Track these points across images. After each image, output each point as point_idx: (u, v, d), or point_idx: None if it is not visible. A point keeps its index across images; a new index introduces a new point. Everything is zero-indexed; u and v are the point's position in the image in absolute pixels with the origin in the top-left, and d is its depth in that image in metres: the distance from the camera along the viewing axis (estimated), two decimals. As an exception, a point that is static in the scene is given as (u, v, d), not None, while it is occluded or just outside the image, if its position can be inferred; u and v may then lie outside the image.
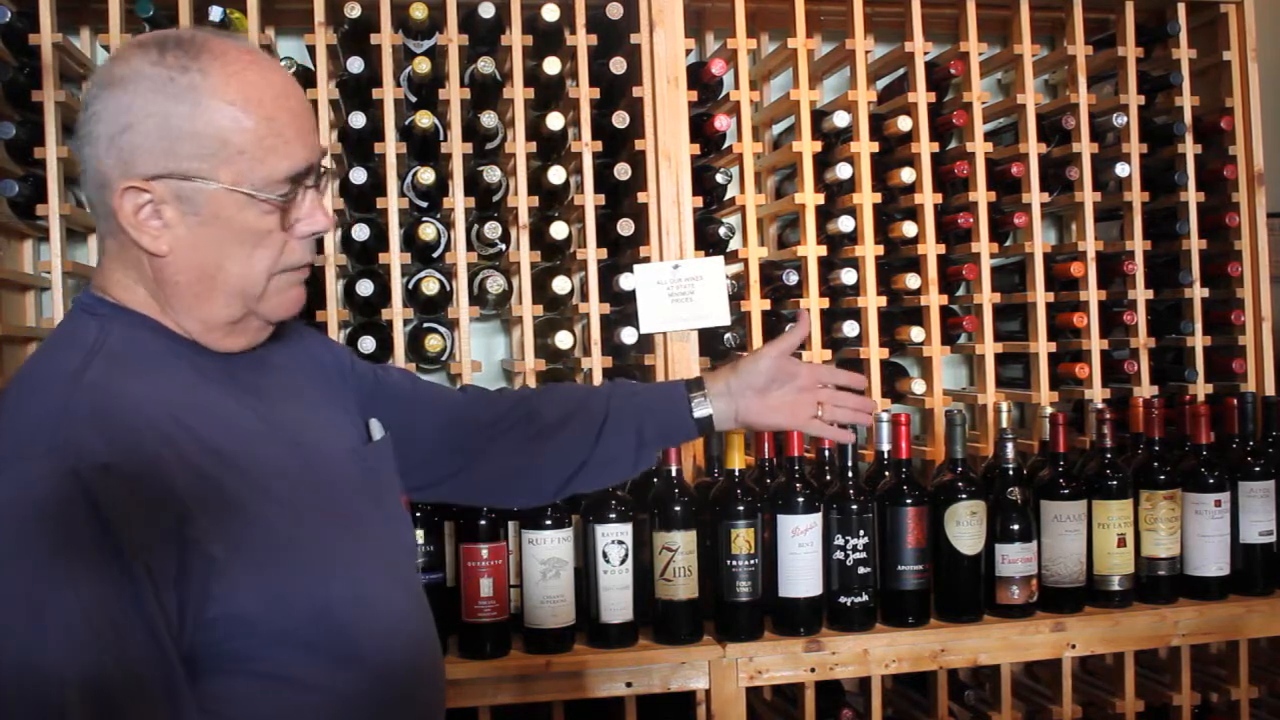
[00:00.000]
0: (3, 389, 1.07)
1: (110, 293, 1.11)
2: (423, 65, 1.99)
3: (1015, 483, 1.97)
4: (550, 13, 2.03)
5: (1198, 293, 2.32)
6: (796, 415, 1.50)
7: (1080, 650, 1.99)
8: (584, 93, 2.09)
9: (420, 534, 1.81)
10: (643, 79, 2.10)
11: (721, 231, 2.18)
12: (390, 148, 2.03)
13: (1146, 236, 2.32)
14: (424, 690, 1.19)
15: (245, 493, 1.04)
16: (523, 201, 2.06)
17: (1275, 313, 2.39)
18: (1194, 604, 2.05)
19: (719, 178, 2.25)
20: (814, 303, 2.16)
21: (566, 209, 2.15)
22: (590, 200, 2.08)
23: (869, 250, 2.18)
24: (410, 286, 2.07)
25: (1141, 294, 2.30)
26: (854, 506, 1.90)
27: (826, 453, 2.01)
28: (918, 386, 2.22)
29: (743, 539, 1.85)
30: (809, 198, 2.17)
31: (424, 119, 1.97)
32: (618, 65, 2.07)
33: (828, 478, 1.98)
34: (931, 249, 2.21)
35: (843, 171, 2.17)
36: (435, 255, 2.08)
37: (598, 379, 2.06)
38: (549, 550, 1.81)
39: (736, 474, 1.87)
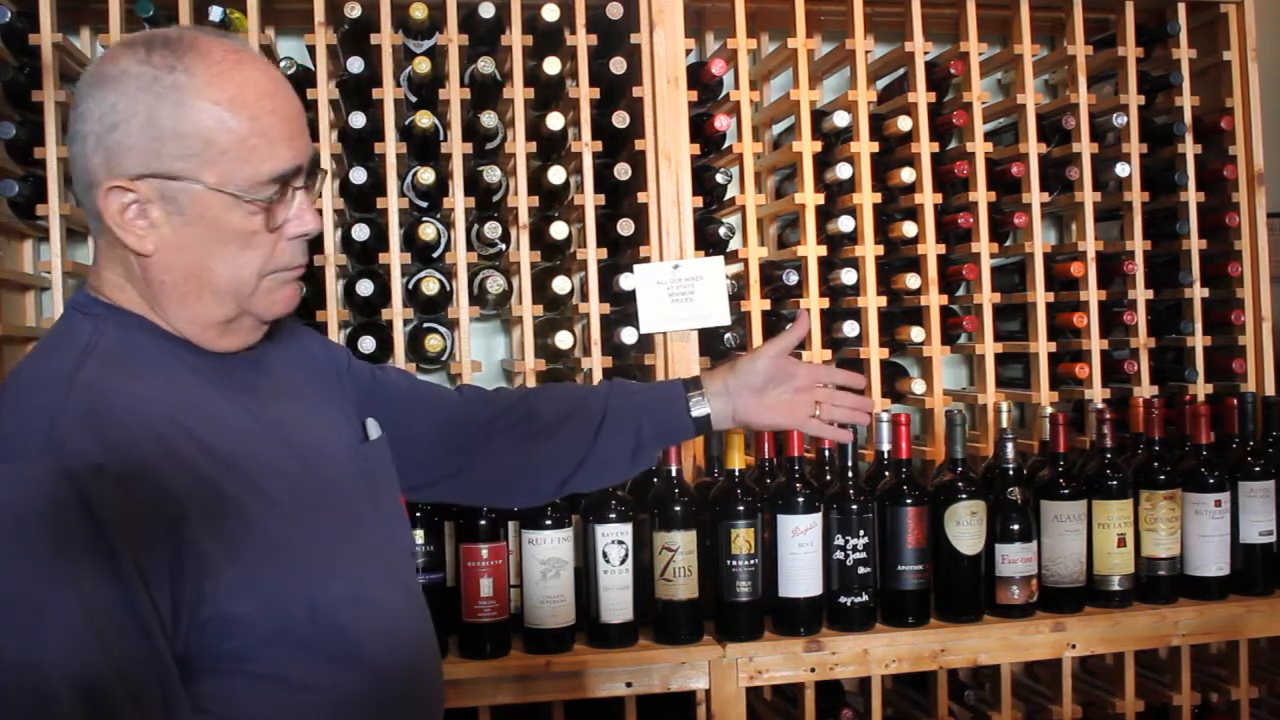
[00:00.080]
0: (-1, 389, 1.08)
1: (104, 292, 1.11)
2: (423, 65, 1.99)
3: (1015, 483, 1.97)
4: (550, 13, 2.03)
5: (1198, 293, 2.32)
6: (794, 415, 1.50)
7: (1080, 650, 1.99)
8: (584, 93, 2.09)
9: (420, 534, 1.81)
10: (643, 79, 2.10)
11: (721, 231, 2.18)
12: (390, 148, 2.03)
13: (1146, 236, 2.32)
14: (423, 690, 1.19)
15: (242, 493, 1.04)
16: (523, 201, 2.06)
17: (1275, 313, 2.38)
18: (1194, 604, 2.05)
19: (719, 178, 2.25)
20: (814, 303, 2.16)
21: (566, 209, 2.15)
22: (590, 200, 2.08)
23: (869, 250, 2.18)
24: (410, 286, 2.07)
25: (1141, 294, 2.30)
26: (854, 506, 1.90)
27: (826, 453, 2.01)
28: (918, 386, 2.22)
29: (743, 539, 1.85)
30: (809, 198, 2.17)
31: (424, 119, 1.98)
32: (618, 65, 2.07)
33: (828, 478, 1.98)
34: (931, 249, 2.21)
35: (843, 171, 2.17)
36: (435, 255, 2.08)
37: (598, 379, 2.06)
38: (549, 550, 1.81)
39: (736, 474, 1.87)
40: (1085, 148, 2.29)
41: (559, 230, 2.03)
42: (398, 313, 2.03)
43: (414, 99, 2.08)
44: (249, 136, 1.05)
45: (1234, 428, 2.13)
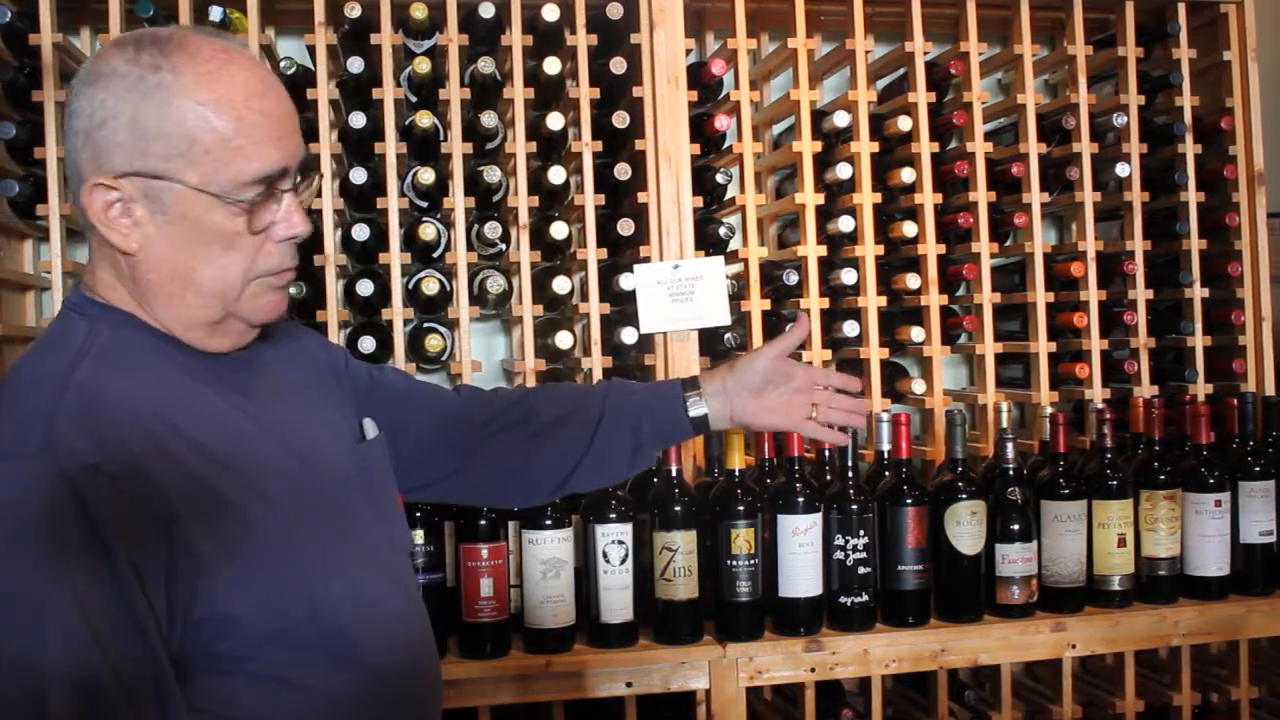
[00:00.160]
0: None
1: (97, 292, 1.11)
2: (423, 65, 1.99)
3: (1015, 483, 1.97)
4: (550, 13, 2.03)
5: (1198, 293, 2.32)
6: (791, 416, 1.50)
7: (1080, 650, 1.99)
8: (584, 93, 2.09)
9: (420, 534, 1.81)
10: (643, 79, 2.10)
11: (721, 231, 2.18)
12: (390, 148, 2.03)
13: (1146, 236, 2.32)
14: (422, 690, 1.19)
15: (240, 493, 1.04)
16: (523, 201, 2.06)
17: (1275, 313, 2.38)
18: (1194, 604, 2.05)
19: (719, 178, 2.25)
20: (814, 303, 2.16)
21: (566, 209, 2.15)
22: (590, 200, 2.08)
23: (869, 250, 2.18)
24: (410, 286, 2.07)
25: (1141, 294, 2.30)
26: (854, 506, 1.90)
27: (826, 453, 2.01)
28: (918, 386, 2.22)
29: (743, 539, 1.85)
30: (809, 198, 2.17)
31: (424, 119, 1.98)
32: (618, 65, 2.07)
33: (828, 478, 1.98)
34: (931, 249, 2.20)
35: (843, 171, 2.17)
36: (435, 255, 2.08)
37: (598, 379, 2.06)
38: (549, 550, 1.81)
39: (736, 474, 1.87)
40: (1085, 148, 2.29)
41: (559, 230, 2.03)
42: (398, 313, 2.03)
43: (414, 99, 2.08)
44: (234, 137, 1.04)
45: (1234, 428, 2.13)
